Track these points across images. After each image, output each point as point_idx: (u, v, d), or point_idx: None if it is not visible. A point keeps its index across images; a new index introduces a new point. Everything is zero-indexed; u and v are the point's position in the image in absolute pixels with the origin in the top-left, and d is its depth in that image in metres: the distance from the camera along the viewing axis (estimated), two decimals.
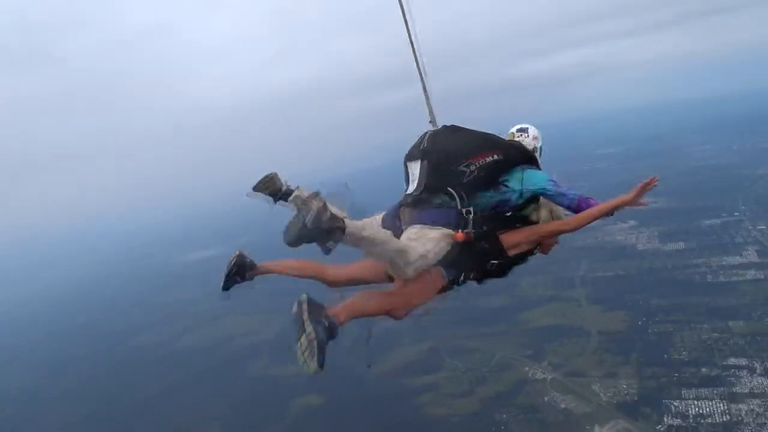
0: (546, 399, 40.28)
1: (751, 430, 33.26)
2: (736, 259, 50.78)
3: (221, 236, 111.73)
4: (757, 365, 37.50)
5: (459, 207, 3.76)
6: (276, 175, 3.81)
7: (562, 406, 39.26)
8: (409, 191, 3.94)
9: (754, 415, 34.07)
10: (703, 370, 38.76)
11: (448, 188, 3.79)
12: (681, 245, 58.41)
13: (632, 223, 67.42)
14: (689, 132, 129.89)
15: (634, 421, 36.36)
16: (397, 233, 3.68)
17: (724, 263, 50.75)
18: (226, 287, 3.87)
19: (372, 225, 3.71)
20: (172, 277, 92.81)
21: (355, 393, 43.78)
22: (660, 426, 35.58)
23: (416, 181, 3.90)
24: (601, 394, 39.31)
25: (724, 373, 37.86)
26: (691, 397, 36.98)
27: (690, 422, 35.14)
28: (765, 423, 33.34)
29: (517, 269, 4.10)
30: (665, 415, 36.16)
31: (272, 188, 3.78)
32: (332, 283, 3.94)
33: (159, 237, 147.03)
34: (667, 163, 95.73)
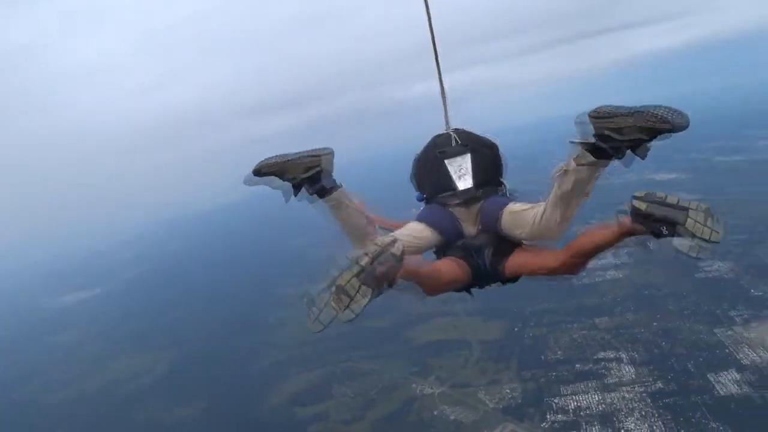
0: (436, 413, 40.84)
1: (624, 414, 35.90)
2: (598, 261, 56.38)
3: (96, 277, 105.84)
4: (623, 355, 41.16)
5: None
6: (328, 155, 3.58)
7: (452, 417, 40.07)
8: (461, 187, 4.00)
9: (625, 401, 36.99)
10: (577, 366, 41.57)
11: (500, 179, 4.21)
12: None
13: None
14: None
15: (520, 423, 37.89)
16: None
17: (587, 266, 55.94)
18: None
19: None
20: (50, 322, 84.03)
21: (247, 428, 43.27)
22: (544, 424, 37.31)
23: (468, 176, 4.03)
24: (488, 402, 40.53)
25: (595, 367, 40.94)
26: (569, 392, 39.33)
27: (571, 416, 37.22)
28: (635, 407, 36.24)
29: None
30: (548, 413, 37.97)
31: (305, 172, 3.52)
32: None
33: (31, 278, 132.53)
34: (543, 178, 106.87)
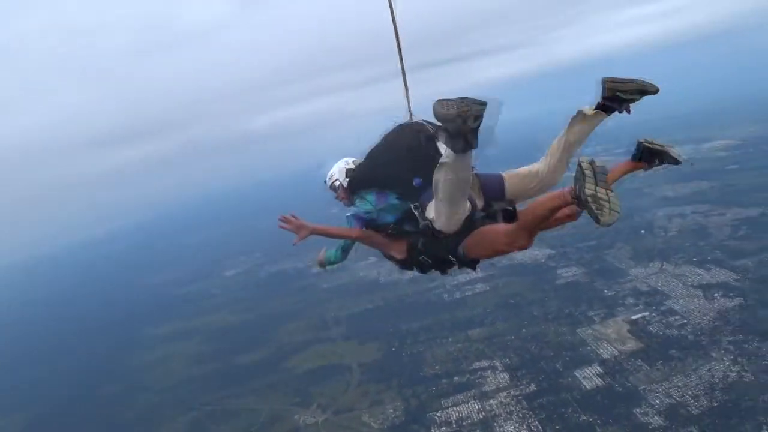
0: None
1: (503, 419, 37.68)
2: (465, 277, 59.98)
3: None
4: (497, 363, 43.45)
5: None
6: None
7: None
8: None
9: (503, 406, 38.86)
10: (456, 378, 43.01)
11: None
12: (416, 273, 65.98)
13: (372, 259, 74.18)
14: None
15: None
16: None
17: (456, 282, 59.35)
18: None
19: None
20: None
21: None
22: None
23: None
24: (372, 424, 40.24)
25: (473, 377, 42.66)
26: (450, 404, 40.38)
27: (454, 427, 38.10)
28: (513, 411, 38.24)
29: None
30: (432, 427, 38.54)
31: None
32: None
33: None
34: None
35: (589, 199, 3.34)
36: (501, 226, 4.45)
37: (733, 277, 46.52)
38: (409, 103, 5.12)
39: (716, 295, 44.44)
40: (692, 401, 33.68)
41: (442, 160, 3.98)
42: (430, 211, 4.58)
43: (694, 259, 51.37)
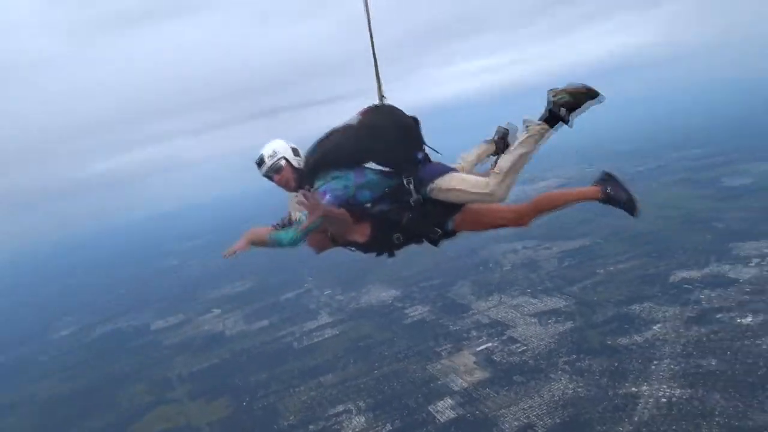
0: None
1: None
2: (314, 323, 60.23)
3: None
4: (352, 407, 43.82)
5: None
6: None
7: None
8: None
9: None
10: (311, 426, 42.57)
11: None
12: (266, 322, 65.67)
13: (216, 311, 73.02)
14: (267, 217, 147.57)
15: None
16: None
17: (305, 329, 59.21)
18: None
19: None
20: None
21: None
22: None
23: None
24: None
25: (329, 423, 42.57)
26: None
27: None
28: None
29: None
30: None
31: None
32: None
33: None
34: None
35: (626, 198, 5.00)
36: (505, 205, 5.05)
37: (563, 303, 52.39)
38: (380, 88, 5.15)
39: (550, 321, 49.65)
40: (539, 420, 36.85)
41: (530, 133, 4.45)
42: (459, 183, 4.81)
43: (528, 290, 57.01)
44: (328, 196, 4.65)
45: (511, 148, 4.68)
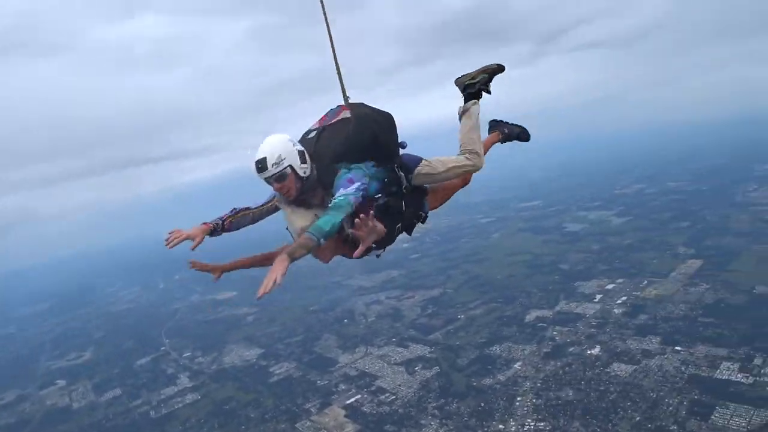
0: None
1: None
2: (173, 389, 55.96)
3: None
4: None
5: None
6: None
7: None
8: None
9: None
10: None
11: None
12: (118, 391, 59.65)
13: (61, 383, 65.59)
14: (116, 278, 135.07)
15: None
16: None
17: (163, 396, 54.88)
18: None
19: None
20: None
21: None
22: None
23: None
24: None
25: None
26: None
27: None
28: None
29: None
30: None
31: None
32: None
33: None
34: (96, 311, 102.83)
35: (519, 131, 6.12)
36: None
37: (428, 350, 54.02)
38: (344, 89, 5.14)
39: (417, 368, 50.86)
40: None
41: (470, 106, 5.46)
42: (448, 163, 5.27)
43: (394, 340, 58.15)
44: (357, 184, 4.43)
45: (466, 127, 5.42)
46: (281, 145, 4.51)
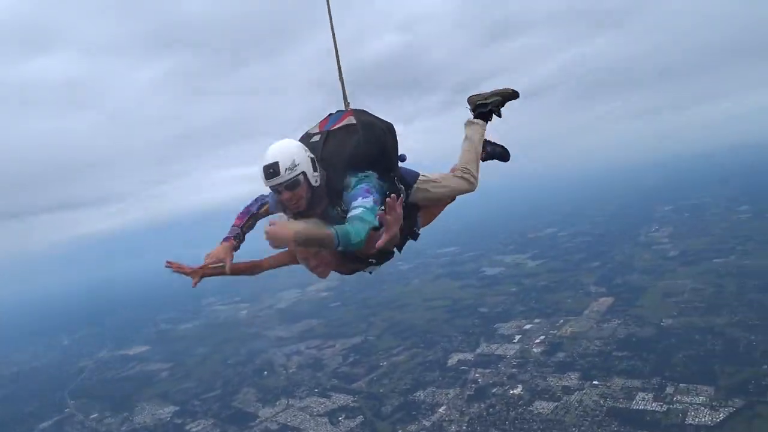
0: None
1: None
2: None
3: None
4: None
5: None
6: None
7: None
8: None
9: None
10: None
11: None
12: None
13: None
14: (10, 338, 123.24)
15: None
16: None
17: None
18: None
19: None
20: None
21: None
22: None
23: None
24: None
25: None
26: None
27: None
28: None
29: None
30: None
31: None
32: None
33: None
34: None
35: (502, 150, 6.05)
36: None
37: (351, 399, 53.13)
38: (345, 95, 5.05)
39: (340, 418, 49.85)
40: None
41: (476, 130, 5.62)
42: (445, 181, 5.34)
43: (316, 390, 56.86)
44: (375, 196, 4.18)
45: (468, 146, 5.54)
46: (295, 149, 4.16)
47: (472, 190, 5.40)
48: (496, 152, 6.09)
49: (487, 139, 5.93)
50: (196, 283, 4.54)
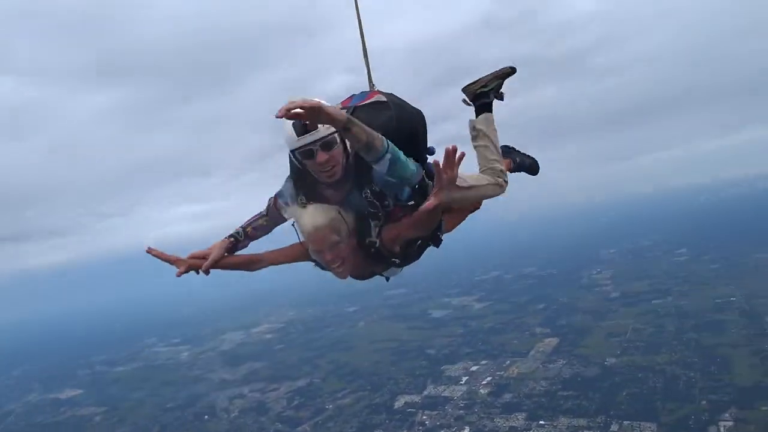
0: None
1: None
2: None
3: None
4: None
5: None
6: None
7: None
8: None
9: None
10: None
11: None
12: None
13: None
14: None
15: None
16: None
17: None
18: None
19: None
20: None
21: None
22: None
23: None
24: None
25: None
26: None
27: None
28: None
29: None
30: None
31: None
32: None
33: None
34: None
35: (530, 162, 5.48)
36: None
37: None
38: (369, 73, 4.76)
39: None
40: None
41: (489, 125, 4.85)
42: (476, 181, 4.54)
43: None
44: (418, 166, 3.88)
45: (483, 145, 4.80)
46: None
47: (502, 192, 4.70)
48: (525, 164, 5.50)
49: (515, 147, 5.47)
50: (181, 273, 4.16)
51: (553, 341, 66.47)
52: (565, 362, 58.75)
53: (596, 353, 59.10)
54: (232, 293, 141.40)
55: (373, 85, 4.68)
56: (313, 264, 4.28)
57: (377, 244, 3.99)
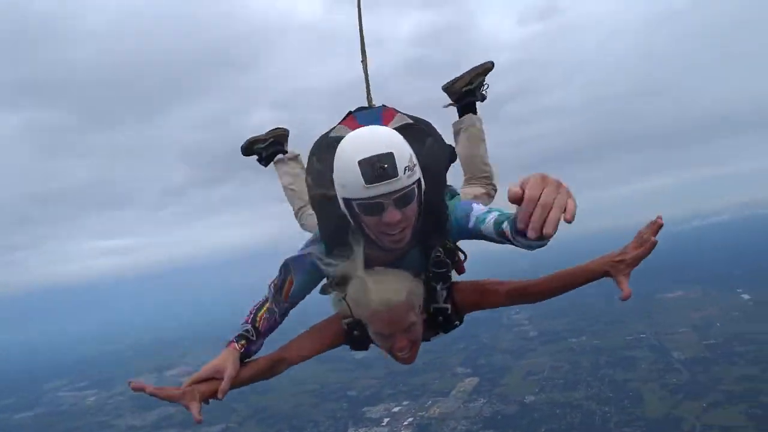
0: None
1: None
2: None
3: None
4: None
5: None
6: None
7: None
8: None
9: None
10: None
11: None
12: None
13: None
14: None
15: None
16: None
17: None
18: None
19: None
20: None
21: None
22: None
23: None
24: None
25: None
26: None
27: None
28: None
29: None
30: None
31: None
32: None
33: None
34: None
35: None
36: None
37: None
38: (368, 86, 4.39)
39: None
40: None
41: (477, 126, 4.70)
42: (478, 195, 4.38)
43: None
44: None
45: (475, 148, 4.65)
46: (404, 141, 2.74)
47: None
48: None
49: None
50: (198, 411, 2.95)
51: (474, 381, 67.56)
52: (485, 401, 59.81)
53: (516, 391, 60.63)
54: (146, 332, 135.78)
55: (372, 102, 4.23)
56: (350, 347, 3.54)
57: (449, 311, 3.40)
